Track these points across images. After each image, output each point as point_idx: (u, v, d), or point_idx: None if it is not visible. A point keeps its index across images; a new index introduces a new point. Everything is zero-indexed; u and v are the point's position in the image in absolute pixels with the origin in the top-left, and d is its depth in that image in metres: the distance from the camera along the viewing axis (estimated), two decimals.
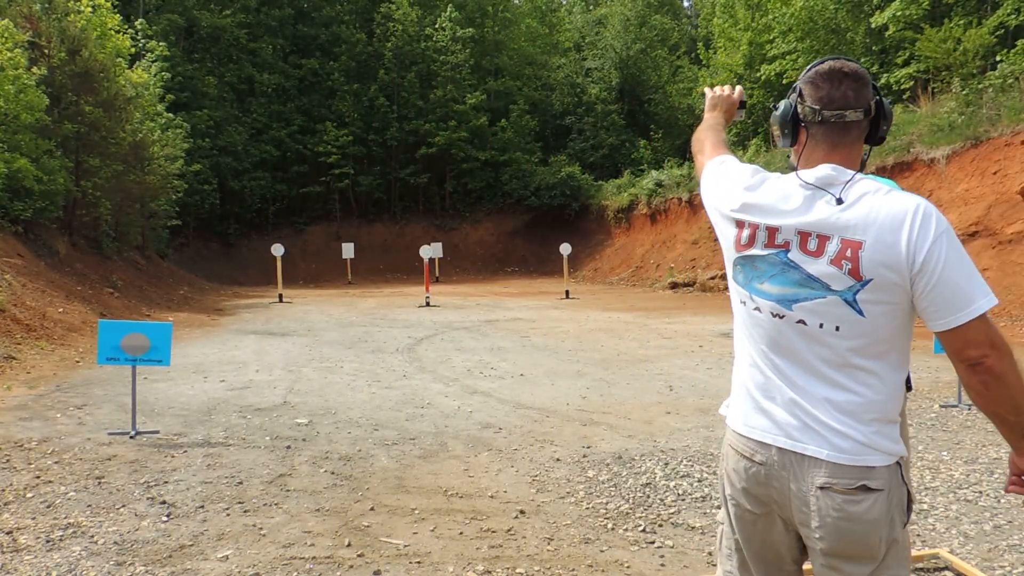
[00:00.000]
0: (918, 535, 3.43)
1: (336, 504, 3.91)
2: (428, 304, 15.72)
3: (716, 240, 1.77)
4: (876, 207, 1.47)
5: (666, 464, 4.54)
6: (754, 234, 1.59)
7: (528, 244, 30.06)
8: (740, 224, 1.63)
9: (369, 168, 31.46)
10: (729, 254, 1.67)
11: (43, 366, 8.00)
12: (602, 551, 3.31)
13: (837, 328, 1.50)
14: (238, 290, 21.82)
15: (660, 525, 3.61)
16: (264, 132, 29.52)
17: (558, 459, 4.69)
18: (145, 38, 22.33)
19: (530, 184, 29.89)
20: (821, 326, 1.51)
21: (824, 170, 1.55)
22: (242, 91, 29.61)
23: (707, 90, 2.10)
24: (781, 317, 1.56)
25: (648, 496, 4.00)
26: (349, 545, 3.37)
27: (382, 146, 31.33)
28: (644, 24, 33.74)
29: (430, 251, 18.35)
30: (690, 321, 12.30)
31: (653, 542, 3.40)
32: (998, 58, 14.57)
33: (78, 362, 8.37)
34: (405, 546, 3.37)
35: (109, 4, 16.59)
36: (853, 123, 1.58)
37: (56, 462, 4.64)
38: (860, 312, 1.48)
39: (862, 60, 18.97)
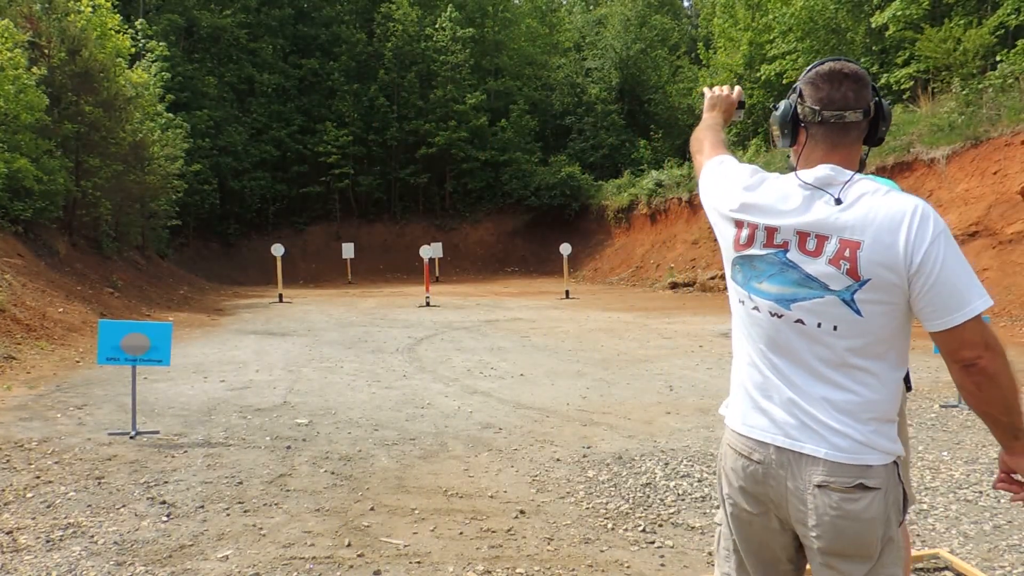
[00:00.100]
0: (918, 535, 3.43)
1: (336, 504, 3.91)
2: (428, 304, 15.72)
3: (716, 240, 1.78)
4: (874, 207, 1.48)
5: (666, 464, 4.54)
6: (753, 234, 1.60)
7: (528, 244, 30.07)
8: (739, 224, 1.63)
9: (369, 168, 31.46)
10: (728, 254, 1.68)
11: (43, 366, 8.00)
12: (602, 551, 3.31)
13: (835, 328, 1.50)
14: (238, 290, 21.82)
15: (660, 525, 3.61)
16: (264, 132, 29.52)
17: (558, 459, 4.70)
18: (145, 38, 22.33)
19: (530, 184, 29.90)
20: (819, 326, 1.52)
21: (823, 170, 1.56)
22: (242, 91, 29.61)
23: (706, 90, 2.11)
24: (779, 316, 1.57)
25: (648, 496, 4.00)
26: (349, 545, 3.37)
27: (382, 146, 31.33)
28: (644, 24, 33.74)
29: (430, 251, 18.35)
30: (690, 321, 12.30)
31: (653, 542, 3.40)
32: (998, 58, 14.57)
33: (78, 362, 8.37)
34: (405, 546, 3.37)
35: (109, 4, 16.59)
36: (852, 124, 1.59)
37: (56, 462, 4.64)
38: (858, 312, 1.48)
39: (862, 60, 18.97)
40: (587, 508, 3.84)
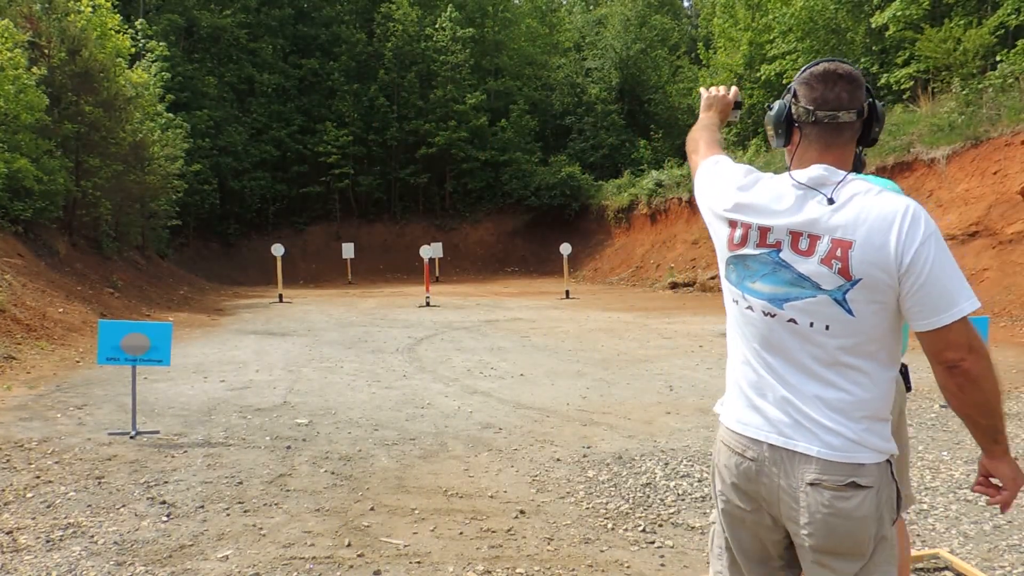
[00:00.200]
0: (918, 535, 3.43)
1: (336, 504, 3.91)
2: (428, 304, 15.72)
3: None
4: (866, 208, 1.49)
5: (666, 464, 4.54)
6: (746, 234, 1.61)
7: (528, 244, 30.07)
8: (733, 224, 1.65)
9: (369, 168, 31.46)
10: (722, 253, 1.69)
11: (43, 366, 8.00)
12: (602, 551, 3.31)
13: (827, 327, 1.52)
14: (238, 290, 21.82)
15: (660, 525, 3.61)
16: (264, 132, 29.52)
17: (558, 459, 4.70)
18: (145, 38, 22.34)
19: (530, 184, 29.89)
20: (811, 325, 1.53)
21: (816, 170, 1.57)
22: (242, 91, 29.61)
23: (703, 90, 2.13)
24: (772, 316, 1.58)
25: (648, 496, 4.00)
26: (349, 545, 3.37)
27: (382, 146, 31.33)
28: (644, 24, 33.73)
29: (430, 251, 18.35)
30: (690, 321, 12.30)
31: (653, 542, 3.40)
32: (998, 58, 14.56)
33: (78, 362, 8.37)
34: (405, 546, 3.37)
35: (109, 4, 16.60)
36: (846, 124, 1.60)
37: (56, 462, 4.64)
38: (850, 311, 1.50)
39: (862, 60, 18.99)
40: (587, 508, 3.84)
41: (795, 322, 1.55)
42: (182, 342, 9.78)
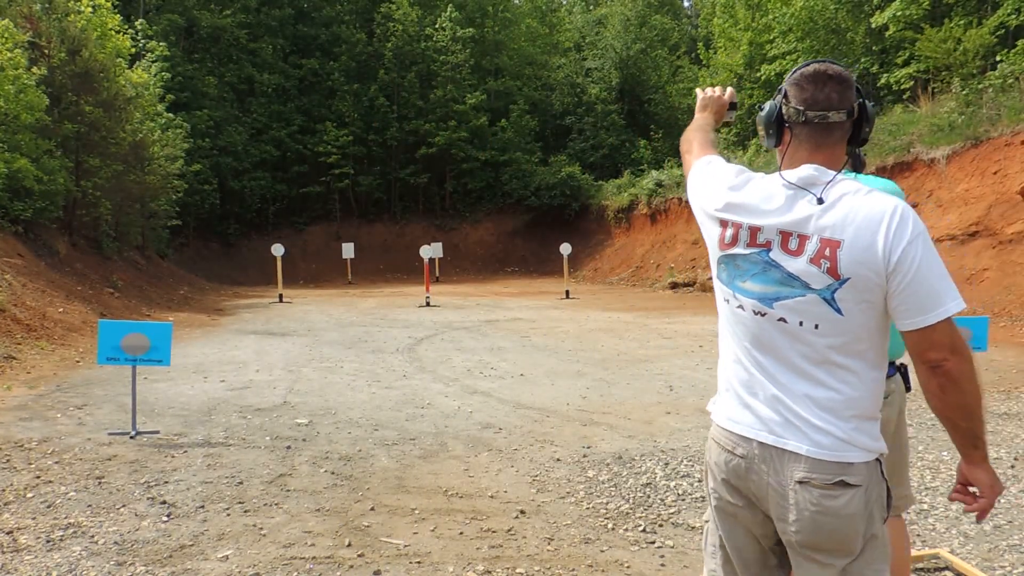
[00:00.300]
0: (918, 535, 3.43)
1: (336, 504, 3.91)
2: (428, 304, 15.72)
3: None
4: (855, 208, 1.50)
5: (666, 464, 4.54)
6: (737, 233, 1.63)
7: (528, 244, 30.07)
8: (724, 223, 1.66)
9: (369, 168, 31.45)
10: (713, 253, 1.71)
11: (43, 366, 8.00)
12: (602, 551, 3.31)
13: (816, 326, 1.53)
14: (238, 290, 21.82)
15: (660, 525, 3.61)
16: (264, 132, 29.51)
17: (558, 459, 4.70)
18: (145, 38, 22.34)
19: (530, 184, 29.89)
20: (801, 324, 1.54)
21: (806, 170, 1.58)
22: (242, 91, 29.60)
23: (698, 91, 2.15)
24: (763, 315, 1.59)
25: (648, 496, 4.00)
26: (349, 545, 3.37)
27: (382, 146, 31.33)
28: (644, 24, 33.73)
29: (430, 251, 18.35)
30: (690, 321, 12.30)
31: (653, 542, 3.40)
32: (998, 58, 14.56)
33: (78, 362, 8.37)
34: (405, 546, 3.37)
35: (109, 4, 16.60)
36: (836, 124, 1.61)
37: (56, 462, 4.64)
38: (838, 311, 1.51)
39: (862, 60, 18.98)
40: (587, 508, 3.84)
41: (785, 321, 1.56)
42: (182, 342, 9.78)
